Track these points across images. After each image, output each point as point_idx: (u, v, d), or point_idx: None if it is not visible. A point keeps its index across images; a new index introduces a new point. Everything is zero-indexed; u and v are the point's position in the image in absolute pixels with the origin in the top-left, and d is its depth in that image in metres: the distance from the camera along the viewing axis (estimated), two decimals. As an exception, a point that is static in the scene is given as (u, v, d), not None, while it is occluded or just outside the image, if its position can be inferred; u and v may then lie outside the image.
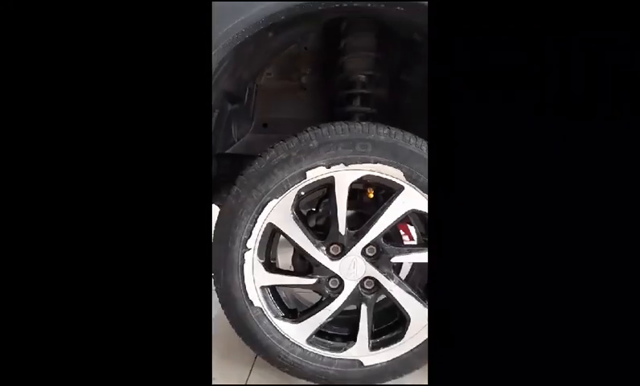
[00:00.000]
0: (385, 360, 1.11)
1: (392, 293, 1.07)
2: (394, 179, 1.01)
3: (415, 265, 1.25)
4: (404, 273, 1.25)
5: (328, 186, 1.03)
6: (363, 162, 0.99)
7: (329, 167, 1.00)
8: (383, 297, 1.10)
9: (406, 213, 1.02)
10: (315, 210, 1.17)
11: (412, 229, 1.32)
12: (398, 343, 1.10)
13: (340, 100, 1.25)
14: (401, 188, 1.01)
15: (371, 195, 1.08)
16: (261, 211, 0.99)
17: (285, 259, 1.17)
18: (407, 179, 1.00)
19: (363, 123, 1.01)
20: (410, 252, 1.08)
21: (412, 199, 1.01)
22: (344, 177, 1.00)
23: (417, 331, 1.09)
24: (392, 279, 1.07)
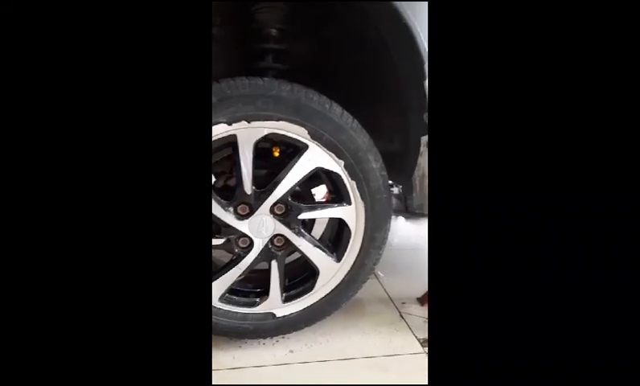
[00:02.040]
0: (297, 310, 1.14)
1: (302, 249, 1.09)
2: (298, 137, 0.99)
3: (329, 221, 1.26)
4: (320, 230, 1.27)
5: (232, 144, 0.99)
6: (266, 120, 0.96)
7: (230, 124, 0.95)
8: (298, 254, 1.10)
9: (312, 171, 1.02)
10: (229, 172, 1.12)
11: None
12: (309, 294, 1.13)
13: (253, 55, 1.18)
14: (306, 146, 1.00)
15: (277, 154, 1.06)
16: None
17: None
18: (311, 137, 0.99)
19: (265, 79, 0.96)
20: (319, 208, 1.09)
21: (318, 157, 1.00)
22: (247, 135, 0.96)
23: (326, 281, 1.11)
24: (302, 235, 1.08)
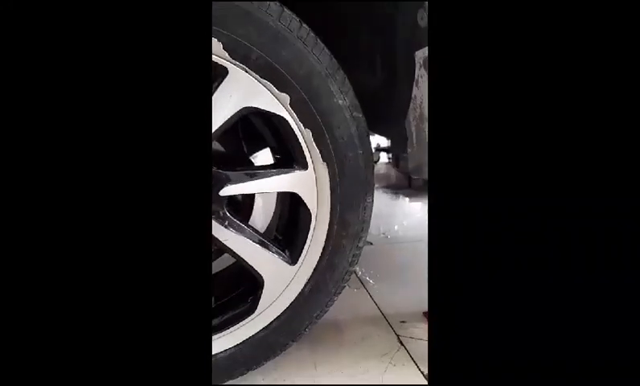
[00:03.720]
0: (230, 346, 1.03)
1: (232, 247, 0.97)
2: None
3: (277, 200, 1.11)
4: (264, 217, 1.14)
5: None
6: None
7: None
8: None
9: (238, 114, 0.89)
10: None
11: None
12: (249, 319, 1.03)
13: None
14: (223, 72, 0.83)
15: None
16: None
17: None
18: (231, 56, 0.82)
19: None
20: (255, 177, 0.93)
21: (245, 90, 0.88)
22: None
23: (276, 296, 1.03)
24: (231, 225, 0.96)
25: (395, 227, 2.21)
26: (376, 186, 3.31)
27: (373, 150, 3.45)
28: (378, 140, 3.56)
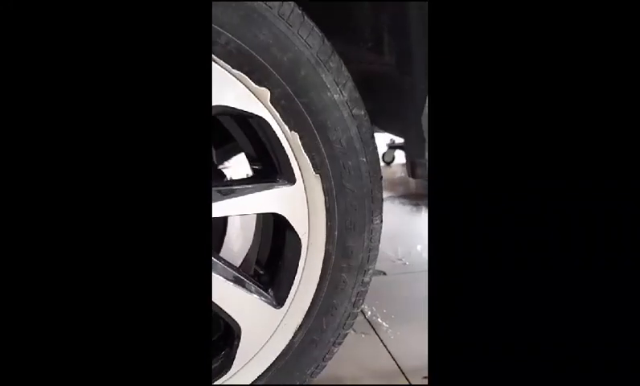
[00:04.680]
0: None
1: None
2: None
3: (258, 224, 1.13)
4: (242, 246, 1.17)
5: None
6: None
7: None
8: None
9: None
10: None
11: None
12: (222, 380, 1.06)
13: None
14: None
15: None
16: None
17: None
18: None
19: None
20: (225, 196, 0.95)
21: (213, 84, 0.90)
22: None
23: (256, 350, 1.06)
24: None
25: (419, 248, 2.23)
26: (392, 195, 3.39)
27: (386, 149, 3.49)
28: (392, 136, 3.60)
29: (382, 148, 4.07)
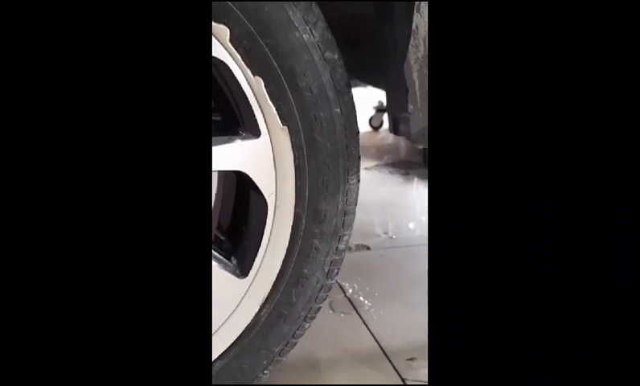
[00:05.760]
0: None
1: None
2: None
3: (220, 189, 1.13)
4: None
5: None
6: None
7: None
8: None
9: None
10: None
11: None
12: None
13: None
14: None
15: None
16: None
17: None
18: None
19: None
20: None
21: None
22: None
23: (217, 326, 1.08)
24: None
25: (411, 225, 2.24)
26: (379, 163, 3.42)
27: (373, 112, 3.50)
28: (380, 96, 3.60)
29: (369, 111, 4.08)
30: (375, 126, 4.09)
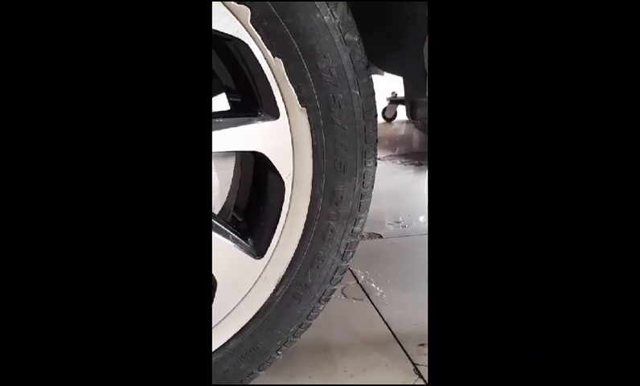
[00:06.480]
0: None
1: None
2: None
3: (238, 170, 1.12)
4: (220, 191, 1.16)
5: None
6: None
7: None
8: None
9: None
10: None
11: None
12: None
13: None
14: None
15: None
16: None
17: None
18: None
19: None
20: None
21: None
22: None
23: (234, 305, 1.08)
24: None
25: (421, 219, 2.24)
26: (392, 154, 3.40)
27: (387, 103, 3.49)
28: (393, 87, 3.59)
29: (382, 102, 4.07)
30: (389, 118, 4.08)
